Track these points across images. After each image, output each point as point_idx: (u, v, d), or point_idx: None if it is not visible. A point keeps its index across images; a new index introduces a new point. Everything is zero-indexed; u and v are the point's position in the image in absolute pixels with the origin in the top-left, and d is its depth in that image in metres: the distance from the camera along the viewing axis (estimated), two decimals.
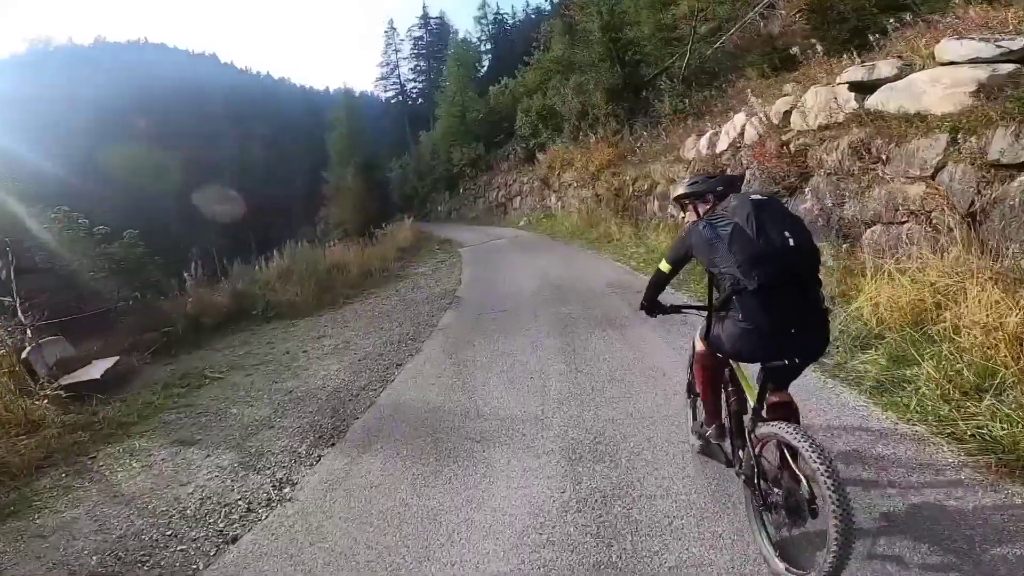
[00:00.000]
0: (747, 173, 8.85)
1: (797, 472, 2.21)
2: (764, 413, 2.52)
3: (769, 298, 2.21)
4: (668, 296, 3.23)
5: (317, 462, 4.53)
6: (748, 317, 2.29)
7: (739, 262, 2.22)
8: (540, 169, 20.71)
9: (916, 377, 4.01)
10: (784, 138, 7.97)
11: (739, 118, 9.60)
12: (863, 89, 6.91)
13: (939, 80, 5.84)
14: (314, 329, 9.48)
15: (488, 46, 47.59)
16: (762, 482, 2.42)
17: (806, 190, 7.28)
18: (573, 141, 19.14)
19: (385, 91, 47.72)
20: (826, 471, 2.01)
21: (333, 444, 4.80)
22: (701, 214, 2.75)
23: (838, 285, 5.51)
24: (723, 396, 2.87)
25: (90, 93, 67.82)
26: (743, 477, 2.60)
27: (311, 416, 5.48)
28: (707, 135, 10.84)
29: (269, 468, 4.55)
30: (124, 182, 54.22)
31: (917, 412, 3.68)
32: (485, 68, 42.35)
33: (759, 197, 2.41)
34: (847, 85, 7.13)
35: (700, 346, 2.89)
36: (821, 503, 2.05)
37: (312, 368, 7.10)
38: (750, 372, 2.71)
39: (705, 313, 2.80)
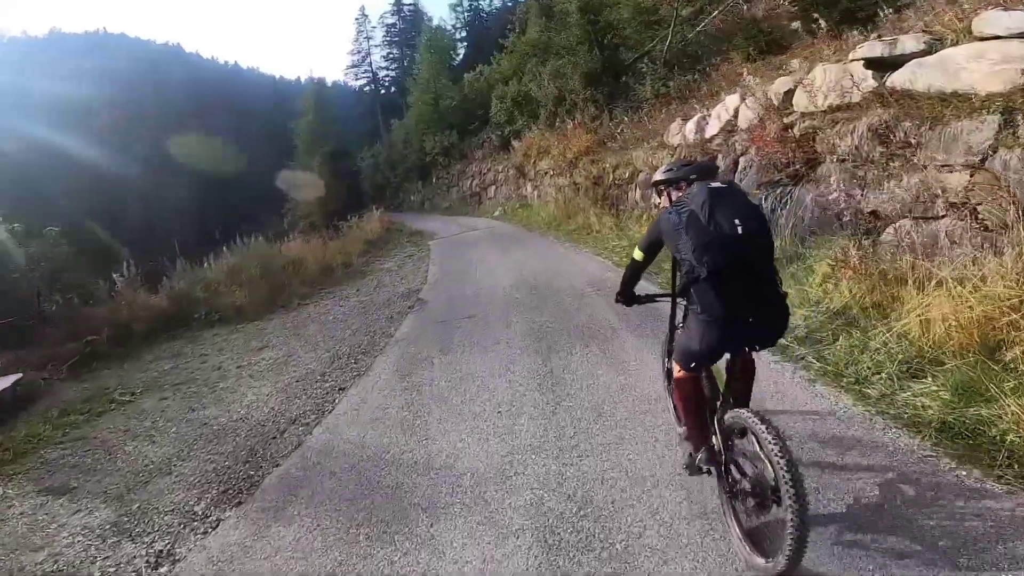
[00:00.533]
0: (741, 160, 7.84)
1: (763, 459, 2.13)
2: (730, 393, 2.58)
3: (721, 286, 2.18)
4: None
5: (213, 529, 3.44)
6: (705, 308, 2.25)
7: (693, 248, 2.19)
8: (515, 157, 19.55)
9: (996, 419, 3.02)
10: (787, 120, 6.95)
11: (732, 99, 8.57)
12: (883, 66, 5.90)
13: (983, 55, 4.84)
14: (258, 337, 8.26)
15: (463, 34, 45.95)
16: (731, 470, 2.39)
17: (814, 178, 6.29)
18: (550, 128, 18.00)
19: (356, 79, 45.87)
20: (782, 457, 2.00)
21: (239, 503, 3.69)
22: (672, 201, 2.68)
23: (869, 293, 4.50)
24: (707, 414, 2.64)
25: (45, 86, 64.69)
26: (712, 467, 2.52)
27: (222, 460, 4.33)
28: (694, 119, 9.80)
29: (149, 534, 3.48)
30: (83, 176, 52.05)
31: (1009, 469, 2.71)
32: (460, 56, 40.86)
33: (718, 185, 2.34)
34: (862, 62, 6.12)
35: (677, 370, 2.63)
36: (781, 489, 2.00)
37: (241, 390, 5.91)
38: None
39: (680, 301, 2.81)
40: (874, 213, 5.42)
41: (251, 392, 5.79)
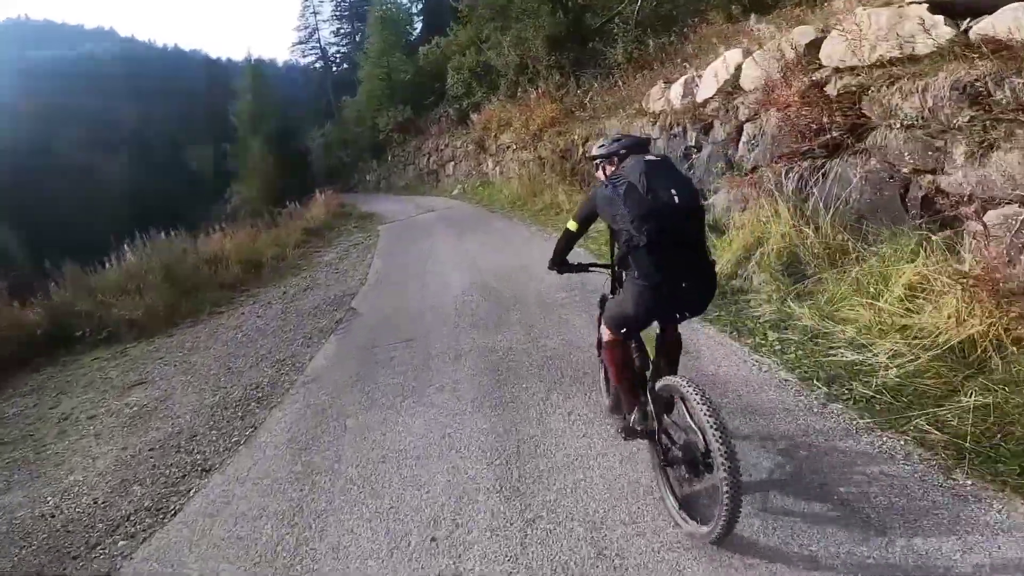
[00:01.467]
0: (748, 127, 6.14)
1: (693, 425, 2.12)
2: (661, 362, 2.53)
3: (660, 254, 2.18)
4: None
5: None
6: (643, 274, 2.24)
7: (633, 218, 2.18)
8: (474, 131, 17.53)
9: None
10: (816, 77, 5.25)
11: (733, 55, 6.77)
12: (957, 12, 4.25)
13: None
14: (138, 366, 6.32)
15: (419, 7, 42.71)
16: (663, 437, 2.37)
17: (863, 149, 4.62)
18: (511, 99, 16.03)
19: (304, 56, 42.41)
20: (714, 424, 1.97)
21: None
22: (607, 175, 2.65)
23: (959, 322, 2.85)
24: (636, 379, 2.65)
25: None
26: (646, 434, 2.50)
27: None
28: (680, 81, 8.01)
29: None
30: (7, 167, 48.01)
31: None
32: (416, 32, 37.94)
33: (652, 157, 2.38)
34: (926, 5, 4.43)
35: (607, 334, 2.65)
36: (713, 455, 1.95)
37: (72, 460, 4.03)
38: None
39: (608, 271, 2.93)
40: (958, 195, 3.79)
41: (83, 465, 3.91)
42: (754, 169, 5.79)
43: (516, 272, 6.89)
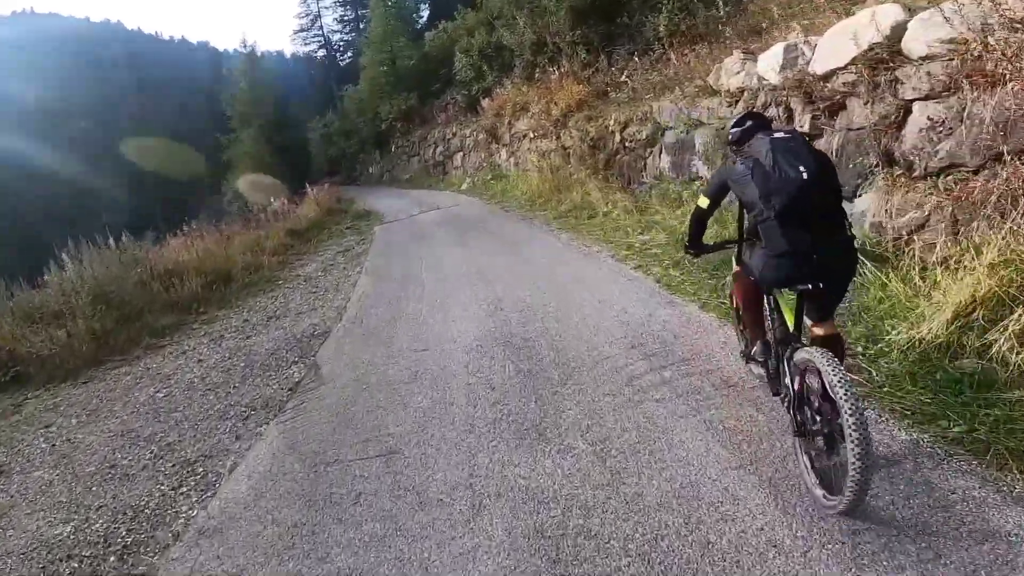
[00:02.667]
0: (924, 108, 3.91)
1: (833, 400, 2.04)
2: (805, 341, 2.47)
3: (786, 225, 2.18)
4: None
5: None
6: (769, 244, 2.27)
7: (761, 194, 2.21)
8: (485, 119, 15.29)
9: None
10: None
11: (888, 10, 4.46)
12: None
13: None
14: (13, 436, 4.25)
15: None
16: (802, 409, 2.30)
17: None
18: (527, 81, 13.79)
19: (305, 44, 39.95)
20: (847, 397, 1.92)
21: None
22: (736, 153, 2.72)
23: None
24: (765, 317, 2.72)
25: None
26: (785, 404, 2.44)
27: None
28: (774, 50, 5.72)
29: None
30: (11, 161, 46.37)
31: None
32: (423, 20, 35.46)
33: (780, 135, 2.37)
34: None
35: (735, 266, 2.92)
36: (845, 430, 1.90)
37: None
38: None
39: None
40: None
41: None
42: (947, 169, 3.59)
43: (555, 310, 4.72)
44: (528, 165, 12.55)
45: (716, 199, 2.67)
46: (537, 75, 13.10)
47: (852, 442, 1.87)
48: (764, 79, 5.73)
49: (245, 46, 26.00)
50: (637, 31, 11.08)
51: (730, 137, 2.74)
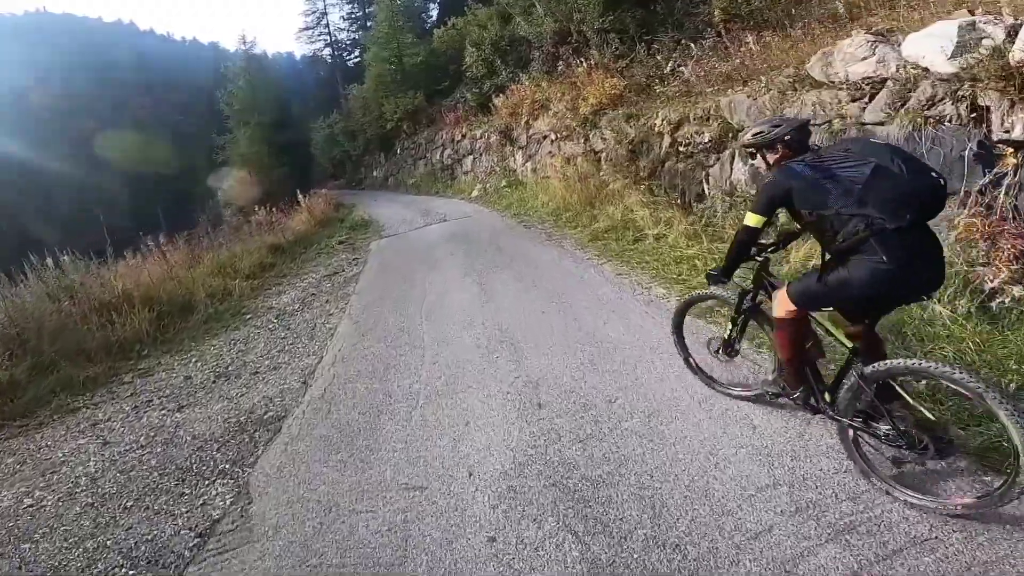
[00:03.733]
0: None
1: (920, 408, 2.07)
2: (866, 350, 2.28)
3: (913, 236, 2.02)
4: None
5: None
6: (894, 257, 2.00)
7: (885, 201, 1.98)
8: (499, 118, 13.53)
9: None
10: None
11: None
12: None
13: None
14: None
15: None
16: (877, 421, 2.16)
17: None
18: (548, 75, 12.04)
19: (311, 43, 38.24)
20: (996, 391, 1.83)
21: None
22: (771, 162, 2.42)
23: None
24: (807, 353, 2.49)
25: None
26: (845, 420, 2.24)
27: None
28: (943, 28, 3.94)
29: None
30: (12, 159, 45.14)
31: None
32: (434, 17, 33.66)
33: (884, 142, 2.26)
34: None
35: (788, 309, 2.37)
36: (1004, 424, 1.81)
37: None
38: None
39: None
40: None
41: None
42: None
43: (634, 416, 2.97)
44: (549, 171, 10.78)
45: (770, 215, 2.32)
46: (560, 68, 11.34)
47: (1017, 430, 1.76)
48: (918, 66, 3.92)
49: (244, 43, 24.26)
50: (684, 16, 9.29)
51: (783, 137, 2.35)
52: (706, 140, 6.28)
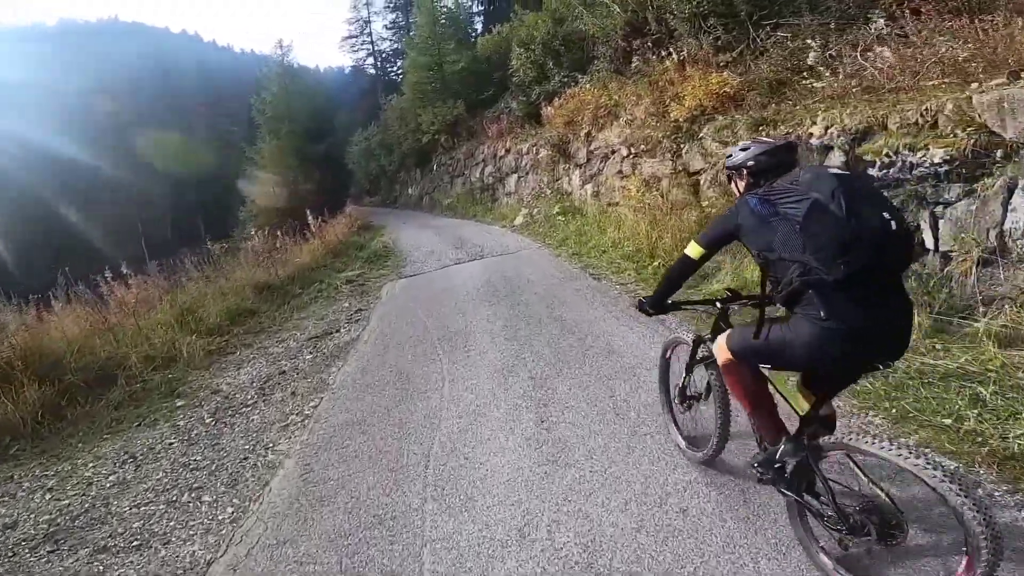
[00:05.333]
0: None
1: (875, 487, 1.75)
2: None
3: (861, 290, 1.62)
4: None
5: None
6: (834, 314, 1.65)
7: (820, 246, 1.60)
8: (551, 128, 11.00)
9: None
10: None
11: None
12: None
13: None
14: None
15: (479, 6, 36.21)
16: (824, 497, 1.82)
17: None
18: (617, 75, 9.44)
19: (354, 51, 36.67)
20: (960, 490, 1.48)
21: None
22: (742, 191, 2.03)
23: None
24: (774, 405, 2.09)
25: (48, 77, 59.22)
26: (789, 493, 1.91)
27: None
28: None
29: None
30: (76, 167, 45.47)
31: None
32: (479, 30, 31.57)
33: (839, 171, 1.74)
34: None
35: (726, 357, 2.06)
36: (962, 521, 1.48)
37: None
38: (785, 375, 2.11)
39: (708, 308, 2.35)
40: None
41: None
42: None
43: None
44: (617, 196, 8.16)
45: (714, 249, 2.02)
46: (635, 65, 8.73)
47: (981, 535, 1.44)
48: None
49: (281, 47, 22.49)
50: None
51: (747, 163, 1.98)
52: (937, 161, 3.54)
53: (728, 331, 2.12)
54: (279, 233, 9.80)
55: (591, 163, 9.35)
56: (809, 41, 5.79)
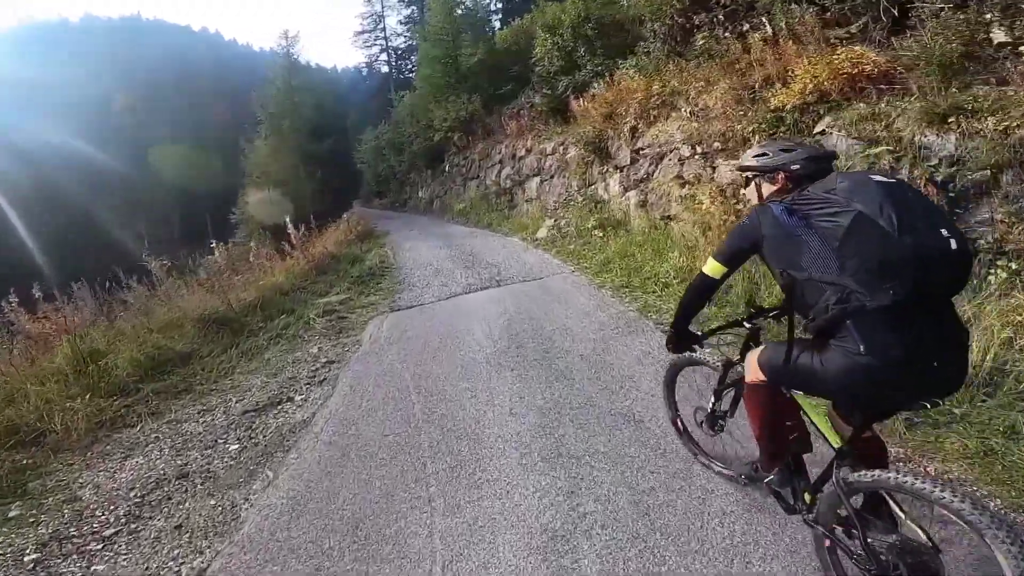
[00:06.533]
0: None
1: (913, 526, 1.53)
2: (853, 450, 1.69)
3: (905, 320, 1.36)
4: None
5: None
6: (873, 348, 1.39)
7: (863, 268, 1.36)
8: (584, 123, 9.04)
9: None
10: None
11: None
12: None
13: None
14: None
15: (498, 4, 34.26)
16: (858, 532, 1.58)
17: None
18: (677, 57, 7.45)
19: (367, 46, 34.79)
20: (1006, 536, 1.28)
21: None
22: (765, 197, 1.80)
23: None
24: (786, 433, 1.91)
25: (71, 73, 58.77)
26: (819, 528, 1.72)
27: None
28: None
29: None
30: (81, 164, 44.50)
31: None
32: (497, 27, 29.69)
33: (886, 179, 1.44)
34: None
35: (757, 376, 1.81)
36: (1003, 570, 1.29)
37: None
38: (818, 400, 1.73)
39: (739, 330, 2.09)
40: None
41: None
42: None
43: None
44: (675, 207, 6.20)
45: (734, 265, 1.78)
46: (701, 43, 6.75)
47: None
48: None
49: (287, 38, 20.69)
50: None
51: (791, 166, 1.72)
52: None
53: (760, 348, 1.83)
54: (255, 245, 7.91)
55: (637, 165, 7.39)
56: (988, 15, 3.80)
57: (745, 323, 2.03)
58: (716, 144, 5.58)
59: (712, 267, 1.76)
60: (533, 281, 6.34)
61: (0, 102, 48.89)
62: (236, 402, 4.09)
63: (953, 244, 1.32)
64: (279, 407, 3.89)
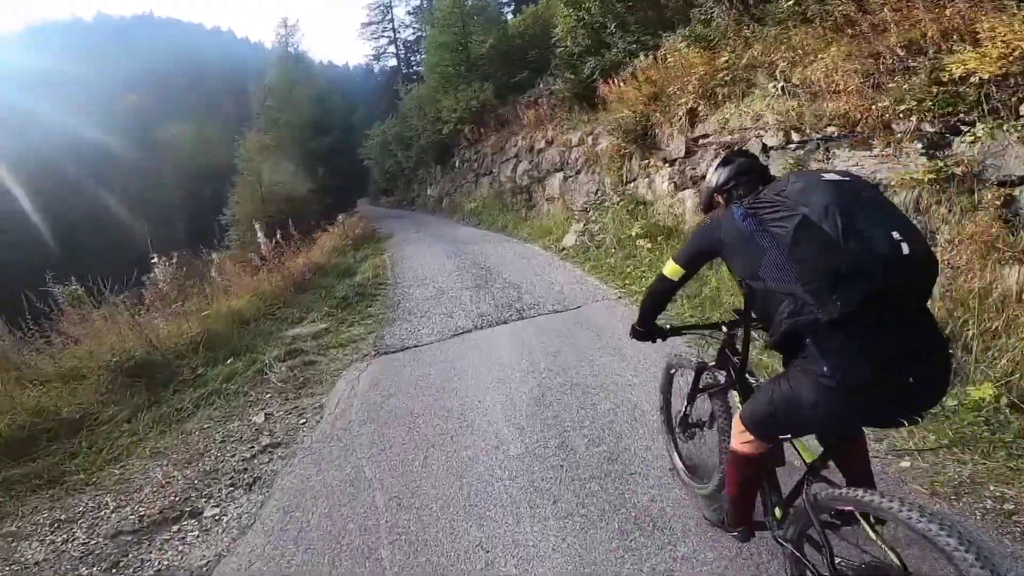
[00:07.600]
0: None
1: (883, 546, 1.30)
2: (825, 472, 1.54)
3: (869, 333, 1.18)
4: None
5: None
6: (837, 368, 1.19)
7: (810, 276, 1.19)
8: (620, 108, 7.38)
9: None
10: None
11: None
12: None
13: None
14: None
15: None
16: (826, 552, 1.39)
17: None
18: (749, 22, 5.76)
19: (374, 38, 33.07)
20: (971, 553, 1.09)
21: None
22: (723, 203, 1.70)
23: None
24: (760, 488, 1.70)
25: (83, 71, 57.97)
26: (788, 546, 1.52)
27: None
28: None
29: None
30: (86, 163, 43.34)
31: None
32: (507, 17, 27.95)
33: (838, 177, 1.29)
34: None
35: (744, 441, 1.53)
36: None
37: None
38: None
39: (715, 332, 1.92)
40: None
41: None
42: None
43: None
44: None
45: (692, 269, 1.65)
46: (781, 13, 5.05)
47: None
48: None
49: (285, 27, 19.12)
50: None
51: (716, 181, 1.67)
52: None
53: (739, 411, 1.62)
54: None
55: (696, 157, 5.72)
56: None
57: (723, 326, 1.84)
58: (830, 129, 3.92)
59: (671, 269, 1.63)
60: (565, 312, 4.71)
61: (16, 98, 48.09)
62: (113, 510, 2.54)
63: (905, 249, 1.14)
64: (174, 529, 2.35)
